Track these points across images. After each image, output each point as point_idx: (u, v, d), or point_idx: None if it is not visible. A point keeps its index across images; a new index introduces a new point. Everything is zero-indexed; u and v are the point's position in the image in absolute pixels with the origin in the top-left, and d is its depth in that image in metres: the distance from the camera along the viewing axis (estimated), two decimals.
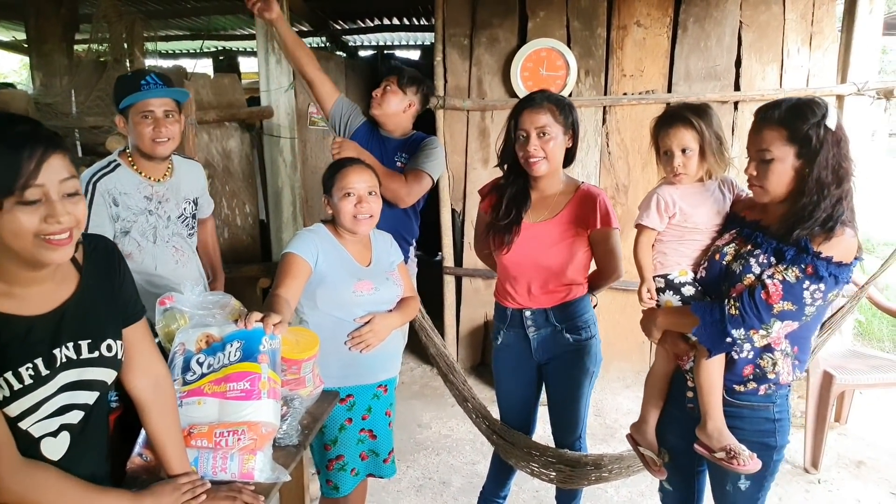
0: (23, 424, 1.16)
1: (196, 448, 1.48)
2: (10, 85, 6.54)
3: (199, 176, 2.56)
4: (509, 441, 2.43)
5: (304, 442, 1.72)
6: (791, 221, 1.58)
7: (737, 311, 1.60)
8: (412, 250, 2.98)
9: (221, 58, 7.89)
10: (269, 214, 4.23)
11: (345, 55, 7.25)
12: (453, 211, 4.23)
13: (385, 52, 8.01)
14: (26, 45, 5.16)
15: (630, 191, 4.06)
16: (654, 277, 1.86)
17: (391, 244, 2.26)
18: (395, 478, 2.56)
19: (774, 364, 1.67)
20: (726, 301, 1.64)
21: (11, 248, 1.09)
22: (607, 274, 2.27)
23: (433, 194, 3.23)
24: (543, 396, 2.40)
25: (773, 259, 1.60)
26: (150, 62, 4.14)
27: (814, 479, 3.13)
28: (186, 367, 1.53)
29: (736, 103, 3.89)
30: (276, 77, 3.96)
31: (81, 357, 1.24)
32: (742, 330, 1.61)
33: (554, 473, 2.38)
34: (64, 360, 1.21)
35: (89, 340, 1.26)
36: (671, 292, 1.82)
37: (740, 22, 3.84)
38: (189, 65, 8.70)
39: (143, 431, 1.46)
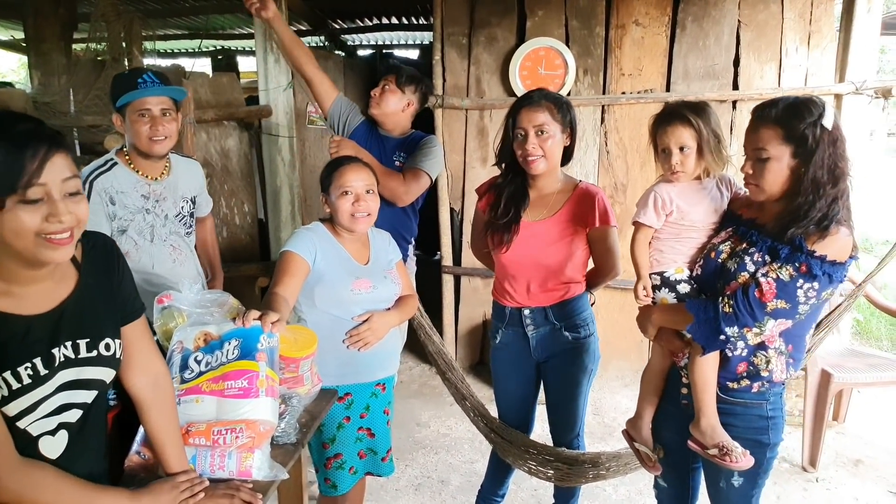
0: (21, 423, 1.16)
1: (194, 446, 1.48)
2: (9, 84, 6.54)
3: (198, 174, 2.56)
4: (507, 439, 2.43)
5: (303, 440, 1.72)
6: (786, 220, 1.58)
7: (731, 309, 1.61)
8: (411, 249, 2.98)
9: (220, 57, 7.89)
10: (268, 213, 4.23)
11: (343, 54, 7.25)
12: (452, 210, 4.24)
13: (384, 51, 8.02)
14: (24, 45, 5.15)
15: (629, 189, 4.06)
16: (650, 275, 1.87)
17: (389, 242, 2.26)
18: (393, 476, 2.56)
19: (768, 362, 1.68)
20: (720, 299, 1.64)
21: (12, 247, 1.10)
22: (605, 272, 2.27)
23: (432, 193, 3.22)
24: (541, 395, 2.40)
25: (767, 257, 1.61)
26: (148, 61, 4.13)
27: (812, 478, 3.13)
28: (184, 366, 1.53)
29: (734, 102, 3.89)
30: (274, 76, 3.96)
31: (80, 356, 1.24)
32: (735, 328, 1.61)
33: (552, 471, 2.38)
34: (62, 359, 1.21)
35: (88, 339, 1.26)
36: (667, 289, 1.83)
37: (739, 21, 3.85)
38: (187, 64, 8.67)
39: (141, 429, 1.46)
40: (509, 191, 2.20)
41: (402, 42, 7.97)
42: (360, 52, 8.02)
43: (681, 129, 1.78)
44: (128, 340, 1.36)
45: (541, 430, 2.52)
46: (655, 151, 1.88)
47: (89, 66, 3.98)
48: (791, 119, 1.55)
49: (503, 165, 2.24)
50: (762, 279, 1.58)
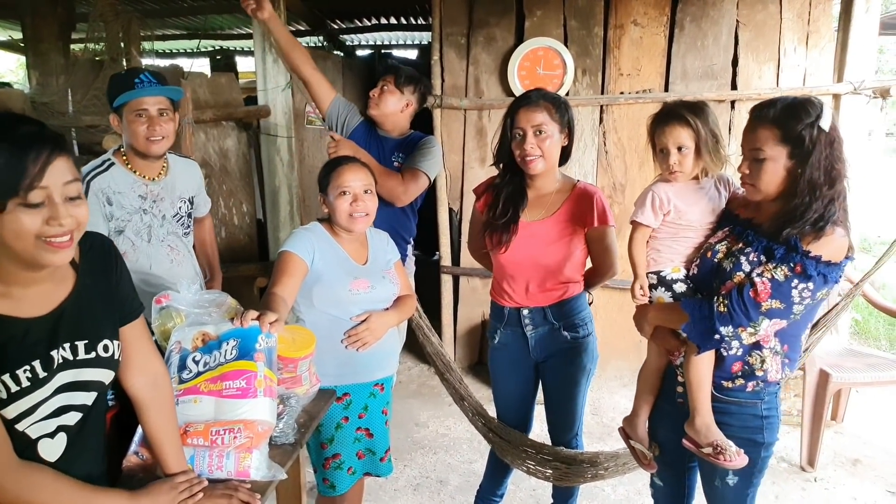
0: (20, 426, 1.16)
1: (192, 446, 1.48)
2: (7, 84, 6.54)
3: (195, 174, 2.56)
4: (506, 439, 2.43)
5: (301, 440, 1.72)
6: (782, 221, 1.58)
7: (725, 309, 1.61)
8: (410, 249, 2.98)
9: (218, 57, 7.89)
10: (267, 213, 4.23)
11: (342, 54, 7.25)
12: (451, 210, 4.24)
13: (382, 51, 8.02)
14: (22, 45, 5.15)
15: (627, 189, 4.07)
16: (647, 274, 1.87)
17: (388, 242, 2.26)
18: (392, 476, 2.56)
19: (763, 361, 1.69)
20: (715, 298, 1.65)
21: (12, 249, 1.10)
22: (603, 271, 2.28)
23: (431, 193, 3.23)
24: (540, 395, 2.40)
25: (763, 257, 1.61)
26: (146, 61, 4.13)
27: (810, 478, 3.14)
28: (182, 366, 1.53)
29: (733, 102, 3.89)
30: (273, 76, 3.95)
31: (78, 358, 1.24)
32: (730, 327, 1.61)
33: (550, 471, 2.38)
34: (60, 361, 1.21)
35: (86, 341, 1.25)
36: (663, 288, 1.84)
37: (737, 21, 3.85)
38: (186, 64, 8.68)
39: (139, 430, 1.46)
40: (507, 191, 2.20)
41: (401, 42, 7.97)
42: (359, 53, 8.02)
43: (679, 129, 1.79)
44: (127, 341, 1.36)
45: (539, 430, 2.53)
46: (654, 151, 1.88)
47: (87, 67, 3.98)
48: (788, 120, 1.55)
49: (501, 165, 2.24)
50: (757, 279, 1.58)
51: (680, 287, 1.82)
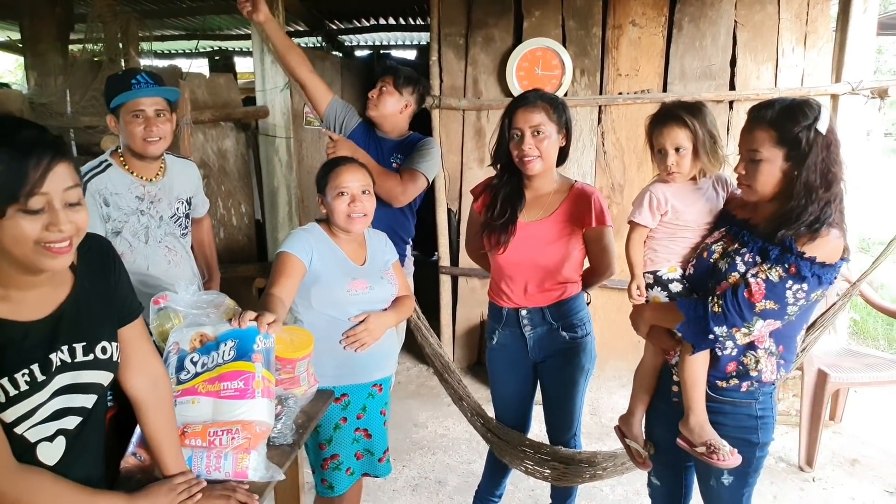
0: (18, 429, 1.16)
1: (190, 447, 1.48)
2: (5, 85, 6.53)
3: (193, 175, 2.56)
4: (504, 439, 2.43)
5: (299, 441, 1.72)
6: (778, 222, 1.59)
7: (720, 309, 1.61)
8: (409, 249, 2.98)
9: (217, 58, 7.89)
10: (265, 214, 4.23)
11: (341, 55, 7.25)
12: (449, 210, 4.24)
13: (381, 51, 8.02)
14: (21, 45, 5.15)
15: (626, 190, 4.07)
16: (643, 273, 1.88)
17: (386, 243, 2.26)
18: (391, 477, 2.56)
19: (757, 362, 1.69)
20: (710, 298, 1.65)
21: (11, 254, 1.10)
22: (601, 271, 2.28)
23: (429, 194, 3.23)
24: (538, 395, 2.40)
25: (758, 258, 1.61)
26: (145, 62, 4.13)
27: (808, 478, 3.14)
28: (180, 367, 1.53)
29: (731, 102, 3.90)
30: (271, 77, 3.95)
31: (76, 360, 1.24)
32: (724, 327, 1.62)
33: (548, 471, 2.38)
34: (59, 363, 1.21)
35: (84, 343, 1.25)
36: (659, 288, 1.85)
37: (735, 21, 3.85)
38: (185, 64, 8.69)
39: (137, 431, 1.46)
40: (505, 191, 2.20)
41: (400, 42, 7.97)
42: (358, 53, 8.02)
43: (676, 130, 1.79)
44: (126, 341, 1.36)
45: (538, 430, 2.53)
46: (652, 152, 1.88)
47: (86, 67, 3.98)
48: (785, 122, 1.55)
49: (499, 166, 2.24)
50: (752, 280, 1.58)
51: (676, 287, 1.82)
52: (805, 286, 1.54)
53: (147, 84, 2.20)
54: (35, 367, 1.17)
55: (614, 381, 4.14)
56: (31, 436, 1.18)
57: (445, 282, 4.30)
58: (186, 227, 2.50)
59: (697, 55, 3.90)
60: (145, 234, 2.32)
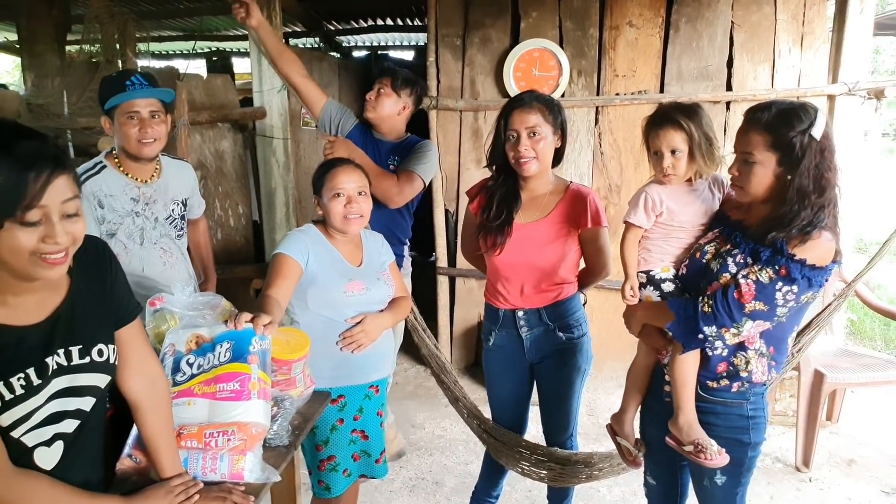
0: (15, 433, 1.16)
1: (186, 449, 1.48)
2: (2, 86, 6.53)
3: (189, 176, 2.55)
4: (500, 440, 2.43)
5: (295, 442, 1.72)
6: (770, 225, 1.59)
7: (710, 309, 1.62)
8: (406, 250, 2.98)
9: (215, 58, 7.88)
10: (263, 215, 4.23)
11: (338, 56, 7.25)
12: (447, 211, 4.24)
13: (379, 52, 8.02)
14: (18, 46, 5.14)
15: (623, 191, 4.07)
16: (637, 273, 1.88)
17: (382, 244, 2.26)
18: (388, 478, 2.56)
19: (748, 363, 1.70)
20: (700, 298, 1.66)
21: (7, 264, 1.10)
22: (596, 272, 2.28)
23: (427, 195, 3.23)
24: (535, 396, 2.40)
25: (749, 259, 1.62)
26: (142, 63, 4.12)
27: (805, 478, 3.14)
28: (176, 368, 1.53)
29: (728, 103, 3.90)
30: (268, 78, 3.95)
31: (72, 363, 1.24)
32: (714, 327, 1.62)
33: (545, 472, 2.38)
34: (55, 367, 1.21)
35: (80, 346, 1.25)
36: (651, 287, 1.86)
37: (732, 22, 3.86)
38: (182, 65, 8.69)
39: (133, 432, 1.46)
40: (501, 193, 2.20)
41: (397, 43, 7.98)
42: (355, 54, 8.02)
43: (672, 132, 1.79)
44: (123, 342, 1.36)
45: (535, 431, 2.53)
46: (648, 153, 1.89)
47: (83, 68, 3.97)
48: (780, 126, 1.55)
49: (495, 167, 2.24)
50: (742, 280, 1.59)
51: (668, 286, 1.84)
52: (795, 288, 1.55)
53: (141, 85, 2.20)
54: (31, 371, 1.16)
55: (611, 382, 4.13)
56: (28, 440, 1.18)
57: (443, 282, 4.30)
58: (182, 229, 2.50)
59: (694, 56, 3.91)
60: (140, 235, 2.32)
